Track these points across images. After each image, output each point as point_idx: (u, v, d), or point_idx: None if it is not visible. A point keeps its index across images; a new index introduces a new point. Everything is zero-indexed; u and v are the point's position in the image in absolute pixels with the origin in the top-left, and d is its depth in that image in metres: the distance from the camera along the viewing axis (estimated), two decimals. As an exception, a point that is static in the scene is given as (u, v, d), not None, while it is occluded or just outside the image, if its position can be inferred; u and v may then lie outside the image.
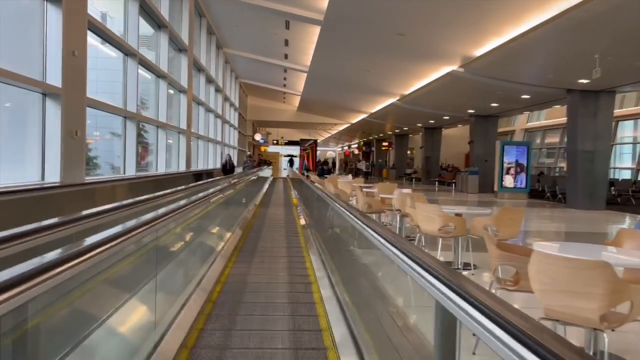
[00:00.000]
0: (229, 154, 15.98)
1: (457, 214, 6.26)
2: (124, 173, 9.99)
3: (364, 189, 10.11)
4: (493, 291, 3.67)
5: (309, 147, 34.83)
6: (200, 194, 5.05)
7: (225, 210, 8.00)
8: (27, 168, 6.51)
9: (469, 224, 6.28)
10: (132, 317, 3.19)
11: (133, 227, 2.37)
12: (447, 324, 1.62)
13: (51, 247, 1.80)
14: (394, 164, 39.24)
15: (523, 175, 18.59)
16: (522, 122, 29.65)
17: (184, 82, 13.92)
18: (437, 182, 28.26)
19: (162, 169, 12.02)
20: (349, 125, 37.70)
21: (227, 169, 15.72)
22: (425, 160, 30.21)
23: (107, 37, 8.62)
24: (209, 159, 19.32)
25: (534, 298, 3.25)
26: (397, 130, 35.80)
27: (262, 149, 46.34)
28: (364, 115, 30.47)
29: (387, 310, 3.70)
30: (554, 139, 28.45)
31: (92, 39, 8.08)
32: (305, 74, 21.78)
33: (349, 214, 4.06)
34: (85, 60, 7.22)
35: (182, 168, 13.96)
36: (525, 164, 18.57)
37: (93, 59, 8.17)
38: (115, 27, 9.44)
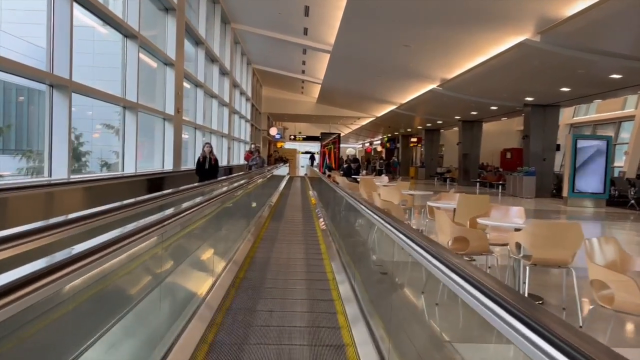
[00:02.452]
0: (208, 144, 10.31)
1: None
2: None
3: (433, 203, 6.52)
4: None
5: (330, 143, 31.16)
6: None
7: (204, 238, 4.70)
8: None
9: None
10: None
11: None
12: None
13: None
14: (422, 162, 35.46)
15: (598, 178, 14.81)
16: (566, 116, 25.74)
17: (170, 52, 10.54)
18: (477, 184, 24.57)
19: (131, 168, 8.62)
20: (373, 119, 34.07)
21: (206, 168, 9.82)
22: (463, 158, 26.44)
23: None
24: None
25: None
26: (429, 125, 32.03)
27: (279, 145, 43.01)
28: (392, 107, 26.84)
29: None
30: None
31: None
32: (328, 56, 18.27)
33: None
34: None
35: (169, 166, 10.61)
36: (604, 164, 14.80)
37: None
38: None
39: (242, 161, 17.49)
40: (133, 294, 2.88)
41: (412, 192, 8.14)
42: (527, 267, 3.76)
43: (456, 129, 32.64)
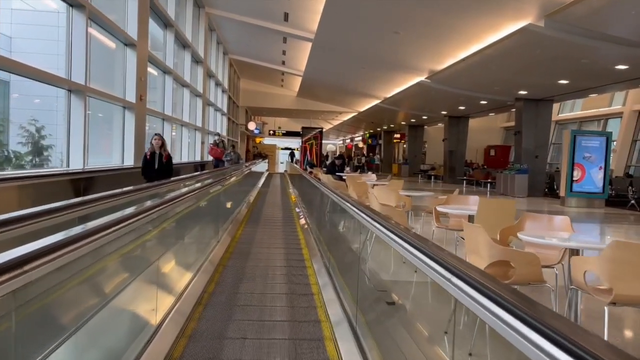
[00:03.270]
0: (158, 136, 7.85)
1: None
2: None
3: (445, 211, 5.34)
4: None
5: (312, 138, 29.83)
6: None
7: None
8: None
9: None
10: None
11: None
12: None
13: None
14: (406, 159, 34.50)
15: (596, 176, 13.94)
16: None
17: (131, 31, 9.20)
18: (464, 182, 23.65)
19: (79, 164, 7.30)
20: (355, 114, 32.94)
21: (155, 168, 7.55)
22: (449, 155, 25.50)
23: None
24: (181, 149, 14.63)
25: None
26: (413, 120, 31.05)
27: (257, 140, 41.62)
28: (376, 102, 25.75)
29: None
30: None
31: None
32: (310, 45, 17.07)
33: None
34: None
35: (129, 161, 9.28)
36: (603, 161, 13.91)
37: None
38: None
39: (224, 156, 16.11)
40: None
41: (409, 193, 7.01)
42: (606, 308, 2.63)
43: (440, 125, 31.78)
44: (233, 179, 7.85)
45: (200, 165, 14.55)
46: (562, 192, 14.18)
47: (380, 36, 14.07)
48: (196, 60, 16.40)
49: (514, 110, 23.56)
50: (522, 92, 16.75)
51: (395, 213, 5.06)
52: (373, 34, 14.03)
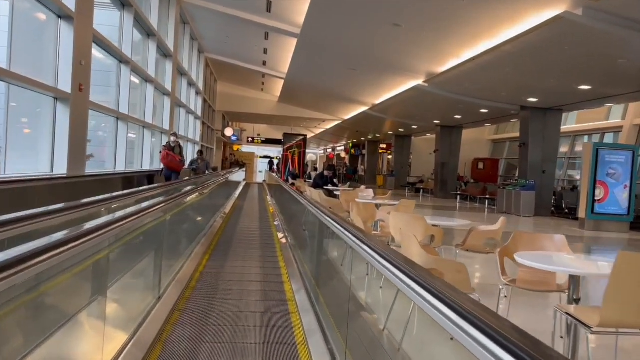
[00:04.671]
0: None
1: None
2: None
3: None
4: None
5: (295, 146, 27.69)
6: None
7: None
8: None
9: None
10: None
11: None
12: None
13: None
14: (392, 171, 32.71)
15: (620, 195, 12.22)
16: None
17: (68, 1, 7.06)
18: (458, 197, 21.89)
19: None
20: (340, 122, 31.06)
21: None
22: (441, 168, 23.74)
23: None
24: (143, 155, 12.44)
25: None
26: (402, 130, 29.31)
27: (235, 147, 39.43)
28: (364, 109, 23.90)
29: None
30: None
31: None
32: (294, 42, 15.15)
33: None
34: None
35: (61, 168, 7.11)
36: (629, 179, 12.20)
37: None
38: None
39: (188, 164, 13.39)
40: None
41: (439, 221, 5.04)
42: None
43: (428, 135, 30.12)
44: (191, 197, 5.74)
45: (148, 177, 11.25)
46: (581, 214, 12.41)
47: (376, 30, 12.18)
48: (164, 53, 14.27)
49: (514, 121, 22.06)
50: (531, 100, 15.03)
51: (450, 268, 3.08)
52: (369, 27, 12.14)
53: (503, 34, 10.41)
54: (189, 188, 5.56)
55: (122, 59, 10.06)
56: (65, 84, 7.09)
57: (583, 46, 9.39)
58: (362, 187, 12.06)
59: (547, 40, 9.42)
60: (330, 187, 10.98)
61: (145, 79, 12.30)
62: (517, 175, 19.17)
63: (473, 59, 12.00)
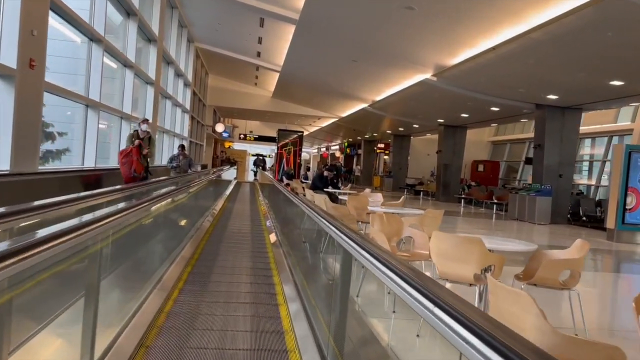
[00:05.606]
0: None
1: None
2: None
3: None
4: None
5: (290, 143, 26.21)
6: None
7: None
8: None
9: None
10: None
11: None
12: None
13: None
14: (389, 172, 31.40)
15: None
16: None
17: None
18: (462, 200, 20.62)
19: None
20: (336, 119, 29.69)
21: None
22: (443, 170, 22.44)
23: None
24: (109, 147, 11.01)
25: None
26: (401, 129, 27.98)
27: (227, 144, 37.94)
28: (363, 105, 22.57)
29: None
30: (594, 149, 21.28)
31: None
32: (292, 30, 13.79)
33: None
34: None
35: (3, 163, 5.70)
36: (663, 186, 10.95)
37: None
38: None
39: (167, 161, 11.89)
40: None
41: (496, 244, 3.69)
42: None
43: (428, 135, 28.85)
44: (159, 206, 4.35)
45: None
46: (609, 224, 11.14)
47: (385, 13, 10.82)
48: (147, 37, 12.83)
49: (523, 121, 20.83)
50: (550, 97, 13.73)
51: (597, 356, 1.74)
52: (378, 9, 10.77)
53: (532, 18, 9.11)
54: (158, 195, 4.15)
55: (93, 37, 8.63)
56: (9, 58, 5.67)
57: (633, 31, 8.08)
58: (367, 190, 10.68)
59: (589, 24, 8.11)
60: (331, 189, 9.61)
61: (124, 63, 10.86)
62: (519, 178, 17.94)
63: (493, 48, 10.69)
